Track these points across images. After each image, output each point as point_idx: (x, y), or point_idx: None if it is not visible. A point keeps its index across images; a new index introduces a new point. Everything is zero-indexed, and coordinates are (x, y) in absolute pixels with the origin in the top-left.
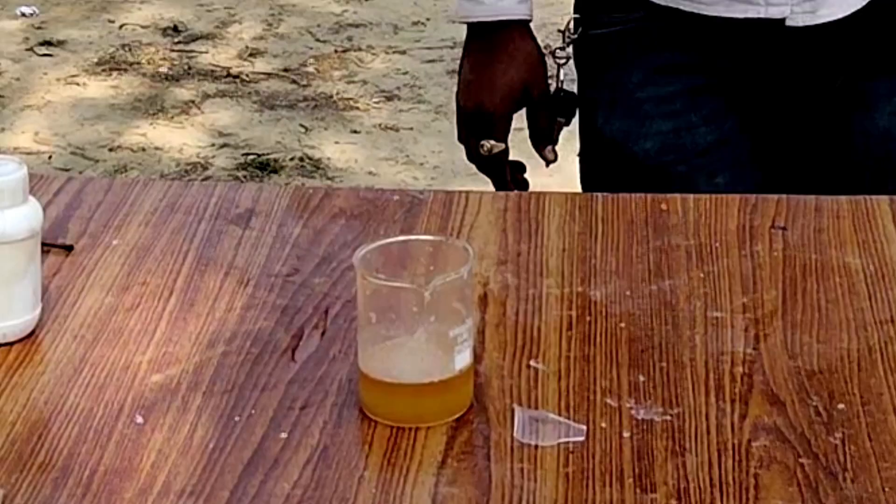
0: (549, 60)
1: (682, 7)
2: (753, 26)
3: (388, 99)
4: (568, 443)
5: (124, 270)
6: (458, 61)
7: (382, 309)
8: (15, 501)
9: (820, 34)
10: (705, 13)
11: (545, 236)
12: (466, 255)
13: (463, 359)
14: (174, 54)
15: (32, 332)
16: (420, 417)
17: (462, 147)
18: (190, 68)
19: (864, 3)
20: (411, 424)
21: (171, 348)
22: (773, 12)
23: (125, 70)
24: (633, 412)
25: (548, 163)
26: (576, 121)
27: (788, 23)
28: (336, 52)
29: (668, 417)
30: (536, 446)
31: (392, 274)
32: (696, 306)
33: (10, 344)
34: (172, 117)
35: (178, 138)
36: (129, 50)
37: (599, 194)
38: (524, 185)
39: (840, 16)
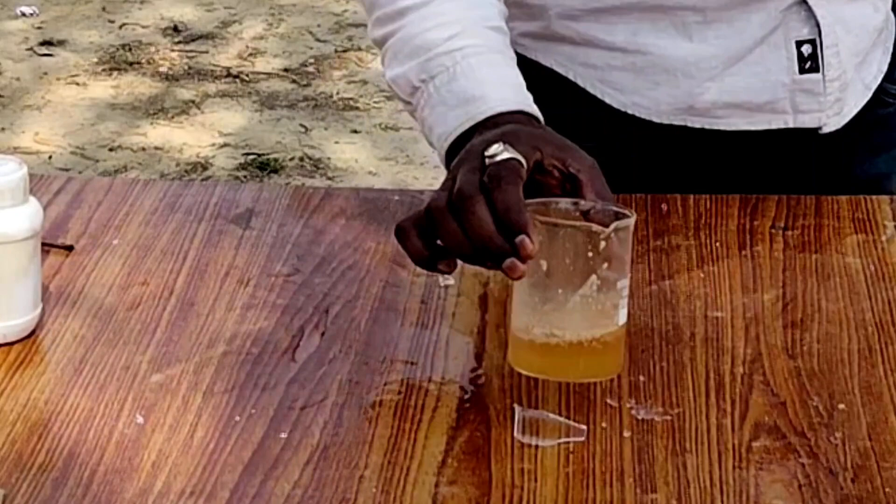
0: None
1: (688, 124)
2: (775, 136)
3: (388, 99)
4: (568, 443)
5: (124, 270)
6: None
7: (557, 256)
8: (15, 501)
9: (843, 133)
10: (718, 128)
11: None
12: (623, 213)
13: (624, 314)
14: (174, 54)
15: (32, 332)
16: (583, 373)
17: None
18: (190, 68)
19: (870, 95)
20: (572, 380)
21: (171, 348)
22: (806, 120)
23: (125, 70)
24: (633, 412)
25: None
26: None
27: (823, 130)
28: (336, 51)
29: (669, 417)
30: (536, 446)
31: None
32: (696, 306)
33: (10, 344)
34: (173, 117)
35: (178, 138)
36: (130, 50)
37: None
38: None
39: (858, 110)
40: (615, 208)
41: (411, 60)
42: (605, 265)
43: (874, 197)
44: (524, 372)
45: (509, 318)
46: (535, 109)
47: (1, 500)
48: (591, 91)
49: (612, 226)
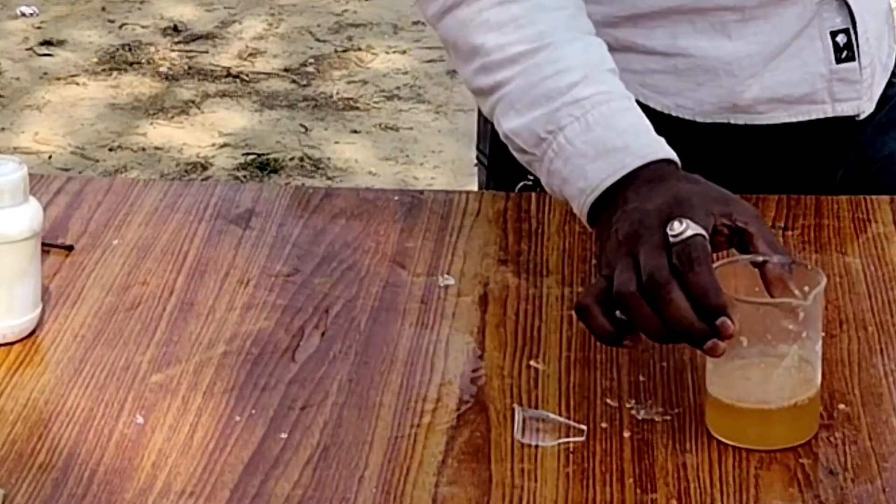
0: None
1: (731, 121)
2: (811, 126)
3: (388, 99)
4: (568, 443)
5: (124, 270)
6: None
7: (757, 331)
8: (15, 501)
9: (869, 118)
10: (760, 122)
11: (545, 236)
12: (815, 274)
13: (819, 372)
14: (174, 54)
15: (32, 332)
16: (789, 438)
17: (462, 146)
18: (190, 68)
19: (889, 75)
20: (777, 447)
21: (171, 348)
22: (845, 109)
23: (125, 70)
24: (633, 412)
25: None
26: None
27: (861, 116)
28: (336, 51)
29: (669, 417)
30: (536, 446)
31: (749, 293)
32: None
33: (11, 344)
34: (172, 117)
35: (178, 138)
36: (130, 50)
37: None
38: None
39: (881, 91)
40: (790, 259)
41: (533, 111)
42: (805, 333)
43: (874, 197)
44: (729, 442)
45: (706, 386)
46: (673, 154)
47: (1, 499)
48: (634, 95)
49: (811, 296)
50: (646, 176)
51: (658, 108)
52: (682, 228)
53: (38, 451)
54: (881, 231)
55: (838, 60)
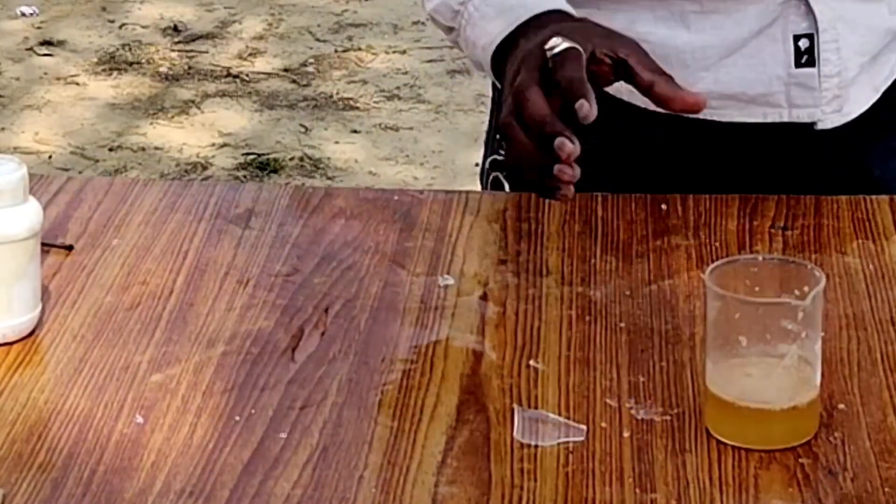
0: None
1: (682, 113)
2: (771, 130)
3: (388, 99)
4: (568, 443)
5: (124, 270)
6: (458, 61)
7: (756, 331)
8: (15, 501)
9: (845, 132)
10: (713, 118)
11: (545, 236)
12: (814, 274)
13: (819, 372)
14: (174, 54)
15: (32, 332)
16: (789, 438)
17: (462, 146)
18: (190, 68)
19: (880, 94)
20: (777, 447)
21: (170, 348)
22: (801, 115)
23: (125, 70)
24: (633, 412)
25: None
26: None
27: (819, 126)
28: (336, 51)
29: (668, 417)
30: (536, 446)
31: (749, 292)
32: (696, 306)
33: (10, 344)
34: (172, 117)
35: (178, 138)
36: (130, 50)
37: (599, 194)
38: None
39: (863, 110)
40: (790, 260)
41: None
42: (804, 334)
43: (874, 197)
44: (729, 442)
45: (706, 384)
46: (570, 8)
47: (1, 499)
48: None
49: (810, 296)
50: (536, 24)
51: (611, 91)
52: (558, 42)
53: (37, 451)
54: (881, 231)
55: (798, 65)
